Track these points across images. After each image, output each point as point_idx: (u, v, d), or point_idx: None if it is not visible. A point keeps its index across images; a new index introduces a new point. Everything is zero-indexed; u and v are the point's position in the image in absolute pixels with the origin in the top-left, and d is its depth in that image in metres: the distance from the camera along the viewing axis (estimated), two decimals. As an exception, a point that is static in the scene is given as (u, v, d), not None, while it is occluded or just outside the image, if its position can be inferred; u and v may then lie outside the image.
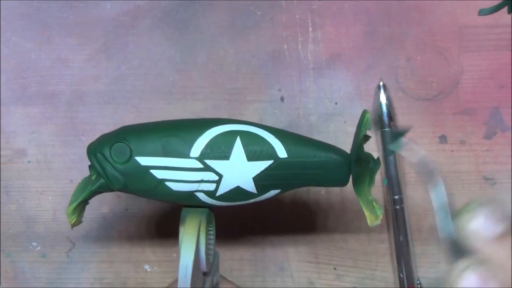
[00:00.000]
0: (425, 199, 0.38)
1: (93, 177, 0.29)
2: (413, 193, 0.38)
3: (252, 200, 0.29)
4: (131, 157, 0.28)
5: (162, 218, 0.39)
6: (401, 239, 0.37)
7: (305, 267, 0.39)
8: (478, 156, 0.38)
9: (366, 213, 0.29)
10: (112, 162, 0.28)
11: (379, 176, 0.38)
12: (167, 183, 0.28)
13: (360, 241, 0.38)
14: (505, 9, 0.38)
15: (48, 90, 0.38)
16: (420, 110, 0.38)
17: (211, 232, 0.31)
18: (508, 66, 0.38)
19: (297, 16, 0.38)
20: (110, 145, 0.28)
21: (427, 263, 0.38)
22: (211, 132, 0.29)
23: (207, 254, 0.29)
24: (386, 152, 0.36)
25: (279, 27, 0.38)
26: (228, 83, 0.38)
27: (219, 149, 0.28)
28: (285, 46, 0.38)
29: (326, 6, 0.38)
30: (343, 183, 0.30)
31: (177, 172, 0.28)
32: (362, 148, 0.29)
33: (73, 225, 0.29)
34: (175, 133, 0.29)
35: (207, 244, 0.29)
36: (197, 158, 0.28)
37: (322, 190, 0.38)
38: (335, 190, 0.38)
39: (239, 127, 0.29)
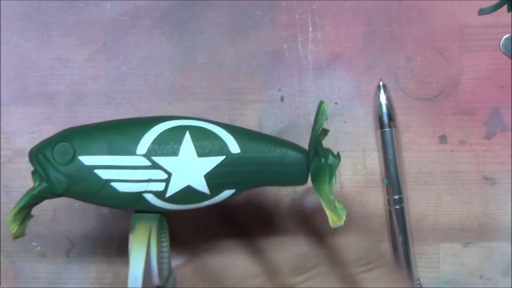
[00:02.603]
0: (425, 198, 0.38)
1: (36, 183, 0.27)
2: (413, 193, 0.38)
3: (205, 203, 0.28)
4: (74, 157, 0.27)
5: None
6: (401, 239, 0.37)
7: (305, 267, 0.39)
8: (478, 156, 0.38)
9: (328, 213, 0.27)
10: (54, 163, 0.27)
11: (379, 176, 0.38)
12: (112, 183, 0.27)
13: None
14: (505, 8, 0.38)
15: (48, 90, 0.38)
16: (420, 110, 0.38)
17: (164, 241, 0.28)
18: (508, 66, 0.38)
19: (297, 16, 0.38)
20: (52, 146, 0.27)
21: (427, 263, 0.38)
22: (158, 128, 0.27)
23: (159, 265, 0.27)
24: (386, 153, 0.36)
25: (279, 27, 0.38)
26: (228, 83, 0.38)
27: (167, 145, 0.27)
28: (285, 46, 0.38)
29: (326, 6, 0.38)
30: (302, 181, 0.28)
31: (123, 171, 0.27)
32: (320, 142, 0.28)
33: (15, 236, 0.27)
34: (120, 130, 0.27)
35: (159, 253, 0.27)
36: (144, 155, 0.26)
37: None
38: (335, 190, 0.38)
39: (188, 122, 0.27)
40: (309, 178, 0.28)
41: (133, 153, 0.27)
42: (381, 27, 0.38)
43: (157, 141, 0.27)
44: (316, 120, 0.27)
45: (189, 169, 0.27)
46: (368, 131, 0.38)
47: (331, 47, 0.38)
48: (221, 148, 0.27)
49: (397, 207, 0.37)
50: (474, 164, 0.38)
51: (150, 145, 0.27)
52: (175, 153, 0.27)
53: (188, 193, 0.27)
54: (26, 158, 0.38)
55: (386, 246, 0.38)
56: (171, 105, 0.38)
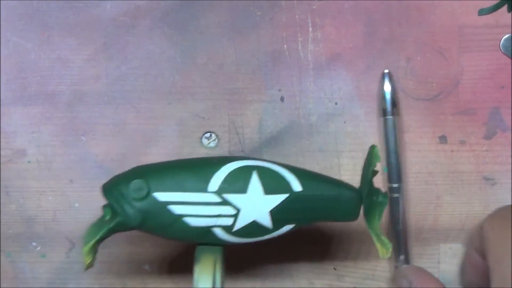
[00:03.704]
0: (425, 198, 0.38)
1: (107, 217, 0.29)
2: (413, 193, 0.38)
3: (267, 236, 0.30)
4: (149, 193, 0.28)
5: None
6: (399, 227, 0.37)
7: (305, 267, 0.39)
8: (478, 156, 0.38)
9: (378, 246, 0.30)
10: (130, 199, 0.28)
11: (379, 176, 0.38)
12: (185, 218, 0.28)
13: (360, 241, 0.38)
14: (505, 9, 0.38)
15: (48, 90, 0.38)
16: (420, 110, 0.38)
17: (223, 270, 0.31)
18: (508, 66, 0.38)
19: (297, 16, 0.38)
20: (127, 182, 0.28)
21: (427, 263, 0.38)
22: (228, 167, 0.29)
23: None
24: (388, 141, 0.37)
25: (279, 27, 0.38)
26: (228, 83, 0.38)
27: (237, 183, 0.29)
28: (285, 46, 0.38)
29: (326, 6, 0.38)
30: (354, 217, 0.31)
31: (195, 206, 0.28)
32: (372, 182, 0.30)
33: (88, 267, 0.29)
34: (192, 169, 0.29)
35: (221, 282, 0.29)
36: (215, 192, 0.28)
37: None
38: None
39: (254, 162, 0.30)
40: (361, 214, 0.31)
41: (205, 190, 0.28)
42: (381, 27, 0.38)
43: (227, 179, 0.29)
44: (369, 162, 0.29)
45: (256, 205, 0.29)
46: (368, 131, 0.38)
47: (331, 47, 0.38)
48: (285, 186, 0.29)
49: (396, 195, 0.36)
50: (474, 164, 0.38)
51: (220, 183, 0.29)
52: (244, 191, 0.29)
53: (253, 228, 0.29)
54: (26, 158, 0.38)
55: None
56: (171, 105, 0.38)
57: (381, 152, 0.37)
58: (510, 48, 0.38)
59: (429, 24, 0.38)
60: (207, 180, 0.28)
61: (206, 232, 0.29)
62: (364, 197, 0.30)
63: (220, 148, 0.38)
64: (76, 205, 0.38)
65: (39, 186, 0.38)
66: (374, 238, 0.30)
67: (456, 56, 0.38)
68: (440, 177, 0.38)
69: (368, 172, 0.30)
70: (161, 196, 0.28)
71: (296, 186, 0.29)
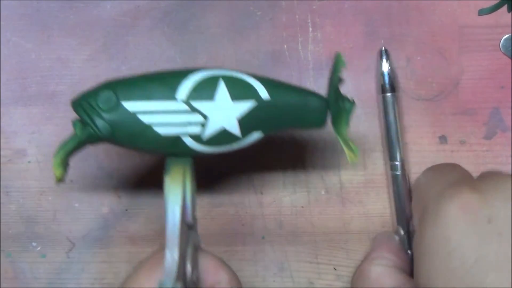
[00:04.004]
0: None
1: (77, 131, 0.29)
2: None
3: (236, 145, 0.30)
4: (118, 103, 0.29)
5: (162, 218, 0.39)
6: (402, 203, 0.36)
7: (305, 267, 0.39)
8: (478, 156, 0.38)
9: (346, 151, 0.31)
10: (99, 109, 0.29)
11: (379, 176, 0.38)
12: (154, 127, 0.29)
13: (360, 241, 0.38)
14: (505, 9, 0.38)
15: (48, 90, 0.38)
16: (420, 110, 0.38)
17: (193, 182, 0.31)
18: (508, 66, 0.38)
19: (297, 16, 0.38)
20: (95, 94, 0.29)
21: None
22: (195, 76, 0.29)
23: (192, 203, 0.30)
24: (387, 117, 0.36)
25: (279, 27, 0.38)
26: (228, 83, 0.38)
27: (204, 90, 0.29)
28: (285, 46, 0.38)
29: (326, 6, 0.38)
30: (322, 124, 0.31)
31: (164, 115, 0.29)
32: (339, 90, 0.31)
33: (59, 179, 0.29)
34: (160, 79, 0.29)
35: (191, 193, 0.29)
36: (183, 100, 0.29)
37: (322, 191, 0.38)
38: (335, 190, 0.38)
39: (221, 72, 0.30)
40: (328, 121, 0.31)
41: (173, 98, 0.29)
42: (381, 27, 0.38)
43: (195, 87, 0.29)
44: (334, 69, 0.30)
45: (224, 112, 0.29)
46: (368, 131, 0.38)
47: (331, 47, 0.38)
48: (253, 94, 0.30)
49: (398, 172, 0.36)
50: (474, 164, 0.38)
51: (188, 91, 0.29)
52: (211, 98, 0.29)
53: (222, 135, 0.30)
54: (26, 158, 0.38)
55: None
56: (171, 105, 0.38)
57: (381, 130, 0.37)
58: (510, 48, 0.38)
59: (429, 24, 0.38)
60: (175, 89, 0.29)
61: (175, 141, 0.29)
62: (331, 104, 0.31)
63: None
64: (76, 205, 0.38)
65: (39, 186, 0.38)
66: (342, 144, 0.31)
67: (456, 56, 0.38)
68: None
69: (334, 79, 0.30)
70: (130, 105, 0.29)
71: (263, 93, 0.30)
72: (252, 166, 0.38)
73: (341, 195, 0.38)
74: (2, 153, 0.38)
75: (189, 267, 0.29)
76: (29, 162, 0.38)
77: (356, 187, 0.38)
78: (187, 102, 0.29)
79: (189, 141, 0.29)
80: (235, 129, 0.30)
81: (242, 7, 0.38)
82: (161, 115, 0.29)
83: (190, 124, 0.29)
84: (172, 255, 0.27)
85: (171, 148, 0.30)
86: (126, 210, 0.39)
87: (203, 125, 0.29)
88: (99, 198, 0.39)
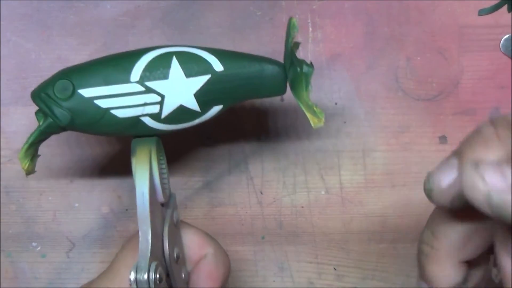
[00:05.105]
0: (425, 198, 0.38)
1: (41, 122, 0.30)
2: (413, 193, 0.38)
3: (197, 121, 0.30)
4: (74, 91, 0.29)
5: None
6: None
7: (305, 267, 0.39)
8: (478, 156, 0.38)
9: (309, 115, 0.30)
10: (56, 99, 0.29)
11: (379, 176, 0.38)
12: (112, 111, 0.29)
13: (360, 241, 0.38)
14: (505, 8, 0.38)
15: (48, 90, 0.38)
16: (420, 110, 0.38)
17: (162, 161, 0.31)
18: (508, 66, 0.38)
19: (297, 16, 0.38)
20: (52, 84, 0.30)
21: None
22: (147, 56, 0.29)
23: (162, 181, 0.30)
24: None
25: (279, 27, 0.38)
26: (228, 83, 0.38)
27: (158, 70, 0.29)
28: (285, 46, 0.38)
29: (326, 6, 0.38)
30: (281, 91, 0.31)
31: (121, 98, 0.29)
32: (294, 54, 0.30)
33: (27, 172, 0.30)
34: (113, 62, 0.30)
35: (160, 171, 0.30)
36: (138, 82, 0.29)
37: (322, 191, 0.38)
38: (335, 190, 0.38)
39: (173, 48, 0.30)
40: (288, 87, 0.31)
41: (127, 81, 0.29)
42: (381, 27, 0.38)
43: (148, 68, 0.29)
44: (288, 34, 0.29)
45: (180, 89, 0.29)
46: (368, 131, 0.38)
47: (331, 47, 0.38)
48: (206, 68, 0.30)
49: None
50: (474, 164, 0.38)
51: (142, 72, 0.29)
52: (165, 76, 0.29)
53: (181, 112, 0.30)
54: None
55: (386, 246, 0.38)
56: (171, 105, 0.38)
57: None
58: (510, 48, 0.38)
59: (429, 24, 0.38)
60: (128, 71, 0.29)
61: (135, 122, 0.30)
62: (288, 70, 0.30)
63: (220, 147, 0.38)
64: (76, 205, 0.38)
65: (39, 186, 0.38)
66: (304, 109, 0.30)
67: (456, 56, 0.38)
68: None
69: (288, 43, 0.29)
70: (86, 92, 0.29)
71: (217, 66, 0.30)
72: (252, 167, 0.38)
73: (341, 195, 0.38)
74: (2, 153, 0.38)
75: (166, 245, 0.29)
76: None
77: (356, 187, 0.38)
78: (141, 83, 0.29)
79: (148, 121, 0.30)
80: (193, 105, 0.30)
81: (242, 7, 0.38)
82: (118, 99, 0.29)
83: (147, 104, 0.29)
84: (144, 236, 0.28)
85: (132, 130, 0.30)
86: (126, 210, 0.39)
87: (160, 104, 0.29)
88: (99, 198, 0.39)
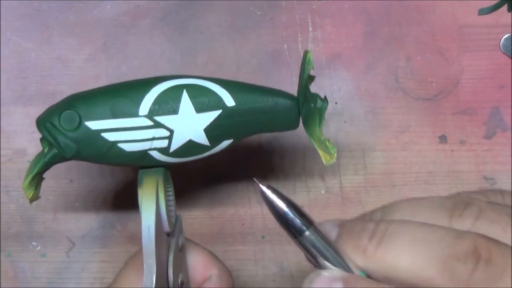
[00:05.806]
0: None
1: (45, 150, 0.29)
2: (413, 193, 0.38)
3: (206, 154, 0.30)
4: (80, 122, 0.28)
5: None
6: None
7: (305, 267, 0.39)
8: (478, 156, 0.38)
9: (320, 153, 0.29)
10: (62, 130, 0.28)
11: (379, 176, 0.38)
12: (119, 144, 0.28)
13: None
14: (505, 8, 0.38)
15: (48, 90, 0.38)
16: (420, 110, 0.38)
17: (170, 191, 0.30)
18: (508, 66, 0.38)
19: (297, 16, 0.38)
20: (58, 114, 0.29)
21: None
22: (157, 89, 0.29)
23: (168, 213, 0.29)
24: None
25: (279, 27, 0.38)
26: (228, 83, 0.38)
27: (167, 104, 0.28)
28: (285, 46, 0.38)
29: (326, 6, 0.38)
30: (294, 126, 0.30)
31: (128, 132, 0.28)
32: (308, 88, 0.29)
33: (31, 200, 0.30)
34: (122, 94, 0.29)
35: (167, 202, 0.29)
36: (146, 116, 0.28)
37: (322, 191, 0.38)
38: (335, 190, 0.38)
39: (184, 81, 0.29)
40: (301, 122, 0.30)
41: (136, 114, 0.28)
42: (381, 27, 0.38)
43: (157, 101, 0.28)
44: (303, 69, 0.29)
45: (189, 125, 0.29)
46: (368, 131, 0.38)
47: (331, 47, 0.38)
48: (217, 102, 0.29)
49: None
50: (474, 164, 0.38)
51: (151, 106, 0.28)
52: (175, 111, 0.28)
53: (190, 147, 0.29)
54: (26, 158, 0.38)
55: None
56: (171, 105, 0.38)
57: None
58: (510, 48, 0.38)
59: (429, 24, 0.38)
60: (137, 104, 0.28)
61: (142, 156, 0.29)
62: (301, 104, 0.29)
63: (220, 148, 0.38)
64: (76, 205, 0.38)
65: (39, 186, 0.38)
66: (316, 145, 0.29)
67: (456, 56, 0.38)
68: (440, 177, 0.38)
69: (303, 78, 0.29)
70: (93, 124, 0.28)
71: (229, 101, 0.29)
72: (252, 166, 0.38)
73: (341, 195, 0.38)
74: (2, 152, 0.38)
75: (171, 274, 0.28)
76: (29, 161, 0.38)
77: (356, 187, 0.38)
78: (150, 117, 0.28)
79: (156, 154, 0.29)
80: (203, 140, 0.29)
81: (242, 7, 0.38)
82: (125, 132, 0.28)
83: (155, 139, 0.28)
84: (149, 269, 0.27)
85: (139, 162, 0.29)
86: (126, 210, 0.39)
87: (169, 139, 0.29)
88: (99, 198, 0.39)
